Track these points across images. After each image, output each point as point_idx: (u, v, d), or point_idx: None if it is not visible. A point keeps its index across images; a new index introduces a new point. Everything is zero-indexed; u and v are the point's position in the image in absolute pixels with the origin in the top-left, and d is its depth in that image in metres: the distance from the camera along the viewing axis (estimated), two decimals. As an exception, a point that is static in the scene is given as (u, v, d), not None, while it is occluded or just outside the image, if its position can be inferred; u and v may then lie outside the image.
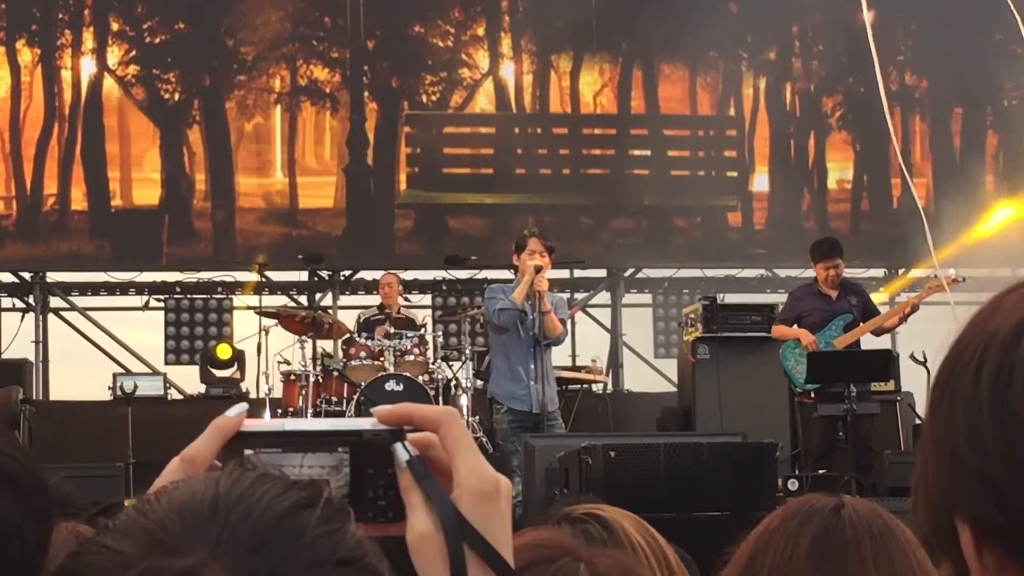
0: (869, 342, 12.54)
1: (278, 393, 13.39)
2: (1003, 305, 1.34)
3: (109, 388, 14.66)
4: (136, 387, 14.19)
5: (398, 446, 1.35)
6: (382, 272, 14.87)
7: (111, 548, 1.17)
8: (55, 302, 17.08)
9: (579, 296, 17.49)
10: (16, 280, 16.93)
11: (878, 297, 15.89)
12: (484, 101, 17.61)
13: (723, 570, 2.33)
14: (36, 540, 1.66)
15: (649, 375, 17.06)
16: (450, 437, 1.36)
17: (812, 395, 12.17)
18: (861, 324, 12.32)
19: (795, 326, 12.39)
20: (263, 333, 13.79)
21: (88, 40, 16.88)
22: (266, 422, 1.38)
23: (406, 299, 15.58)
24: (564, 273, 17.01)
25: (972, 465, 1.29)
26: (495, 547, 1.32)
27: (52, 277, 16.99)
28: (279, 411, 13.19)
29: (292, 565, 1.16)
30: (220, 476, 1.22)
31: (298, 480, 1.23)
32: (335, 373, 13.19)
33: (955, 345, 1.35)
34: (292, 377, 13.24)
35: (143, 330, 16.87)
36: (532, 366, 10.95)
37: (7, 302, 16.85)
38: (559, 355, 12.44)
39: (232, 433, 1.35)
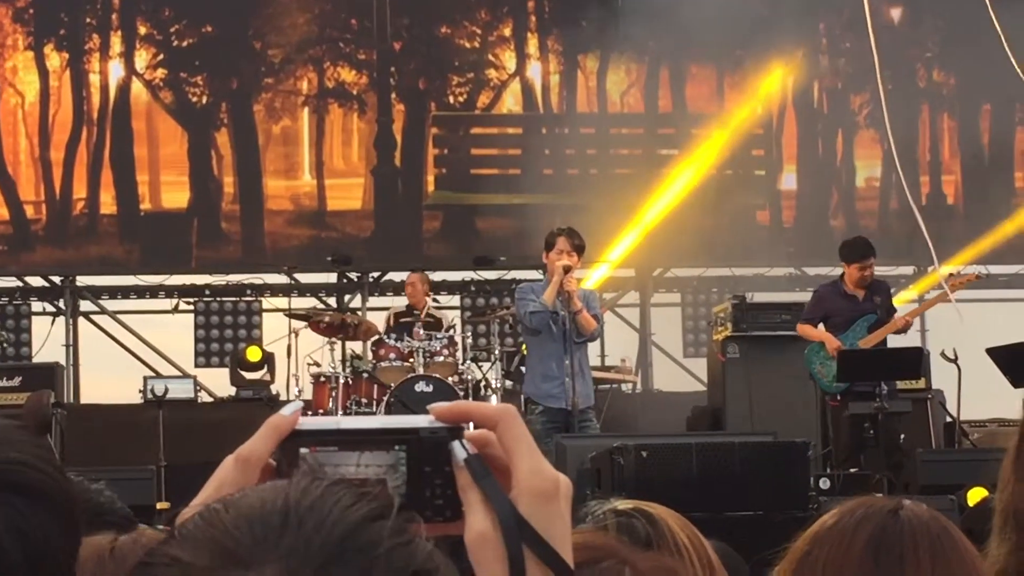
0: (894, 340, 12.41)
1: (308, 395, 13.39)
2: None
3: (140, 391, 14.62)
4: (167, 390, 14.16)
5: (456, 444, 1.33)
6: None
7: (179, 559, 1.14)
8: (85, 306, 17.11)
9: (608, 296, 17.44)
10: (46, 284, 16.96)
11: (907, 295, 15.87)
12: (511, 102, 17.58)
13: (778, 565, 2.33)
14: (65, 555, 1.66)
15: (679, 374, 17.02)
16: (509, 435, 1.33)
17: (839, 398, 12.02)
18: (884, 324, 12.15)
19: (820, 326, 12.23)
20: (293, 335, 13.79)
21: (116, 44, 16.91)
22: (321, 420, 1.36)
23: (435, 300, 15.56)
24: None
25: None
26: (555, 547, 1.30)
27: (82, 281, 17.02)
28: (308, 413, 13.17)
29: None
30: (289, 485, 1.19)
31: (365, 489, 1.20)
32: (365, 375, 13.18)
33: None
34: (322, 379, 13.23)
35: (173, 333, 16.89)
36: (567, 363, 10.86)
37: (37, 306, 16.86)
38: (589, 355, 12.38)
39: (287, 431, 1.33)
